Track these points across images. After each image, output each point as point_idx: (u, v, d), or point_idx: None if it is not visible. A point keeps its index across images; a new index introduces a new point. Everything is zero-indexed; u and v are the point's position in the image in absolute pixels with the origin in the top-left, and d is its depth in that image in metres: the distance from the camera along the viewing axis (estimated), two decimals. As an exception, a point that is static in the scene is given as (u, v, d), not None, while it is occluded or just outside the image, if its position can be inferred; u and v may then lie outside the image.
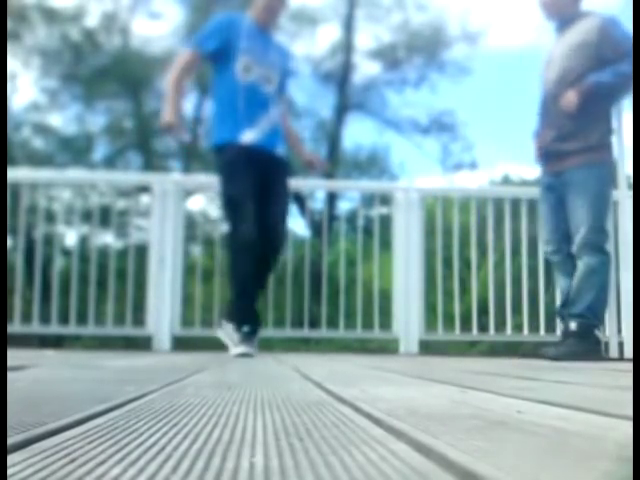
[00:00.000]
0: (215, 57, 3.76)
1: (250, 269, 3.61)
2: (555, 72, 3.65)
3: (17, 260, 4.67)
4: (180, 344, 4.61)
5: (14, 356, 2.48)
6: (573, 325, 3.50)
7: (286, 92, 4.05)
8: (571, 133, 3.58)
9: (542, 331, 4.73)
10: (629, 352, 3.62)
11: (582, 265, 3.52)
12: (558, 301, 3.84)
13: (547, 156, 3.70)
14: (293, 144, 4.08)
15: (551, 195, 3.70)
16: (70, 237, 5.14)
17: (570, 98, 3.50)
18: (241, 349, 3.47)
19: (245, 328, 3.58)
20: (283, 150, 3.85)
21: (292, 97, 4.22)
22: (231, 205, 3.66)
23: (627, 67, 3.47)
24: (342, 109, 17.21)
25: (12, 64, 15.87)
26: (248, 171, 3.64)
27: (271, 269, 3.86)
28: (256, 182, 3.65)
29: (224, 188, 3.68)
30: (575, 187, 3.56)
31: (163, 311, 4.54)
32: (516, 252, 4.97)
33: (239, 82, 3.71)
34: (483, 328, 4.94)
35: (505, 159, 27.50)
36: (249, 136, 3.68)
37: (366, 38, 21.37)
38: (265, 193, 3.70)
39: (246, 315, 3.65)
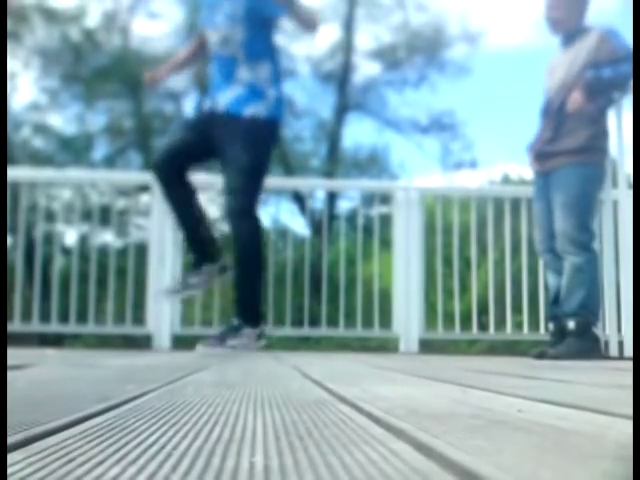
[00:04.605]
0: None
1: None
2: (557, 80, 3.72)
3: (17, 259, 4.67)
4: (180, 343, 4.61)
5: (14, 355, 2.48)
6: (571, 324, 3.52)
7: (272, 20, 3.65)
8: (561, 135, 3.63)
9: (542, 330, 4.73)
10: (629, 351, 3.62)
11: (568, 264, 3.57)
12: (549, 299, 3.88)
13: (538, 157, 3.75)
14: None
15: (542, 195, 3.76)
16: (70, 236, 5.15)
17: (576, 98, 3.54)
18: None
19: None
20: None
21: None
22: None
23: (627, 67, 3.51)
24: (342, 109, 17.21)
25: (12, 64, 15.86)
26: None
27: None
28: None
29: None
30: (560, 187, 3.64)
31: (163, 310, 4.54)
32: (516, 251, 4.97)
33: (210, 56, 3.70)
34: (483, 327, 4.94)
35: (505, 158, 27.49)
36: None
37: (366, 38, 21.32)
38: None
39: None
